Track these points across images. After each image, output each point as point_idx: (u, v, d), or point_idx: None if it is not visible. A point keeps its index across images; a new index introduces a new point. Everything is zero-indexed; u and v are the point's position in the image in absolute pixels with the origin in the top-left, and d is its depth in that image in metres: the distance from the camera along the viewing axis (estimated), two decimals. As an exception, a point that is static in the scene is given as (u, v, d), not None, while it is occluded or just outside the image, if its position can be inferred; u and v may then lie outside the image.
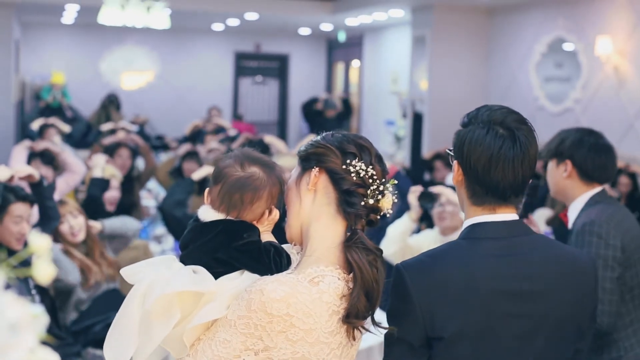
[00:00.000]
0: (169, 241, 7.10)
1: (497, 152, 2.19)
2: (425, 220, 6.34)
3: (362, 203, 2.14)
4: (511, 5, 11.09)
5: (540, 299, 2.20)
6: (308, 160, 2.21)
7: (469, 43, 11.65)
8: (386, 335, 2.21)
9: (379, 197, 2.15)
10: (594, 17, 9.43)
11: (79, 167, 7.06)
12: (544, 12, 10.44)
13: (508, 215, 2.25)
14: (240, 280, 2.15)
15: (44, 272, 1.22)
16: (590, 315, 2.30)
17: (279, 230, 2.35)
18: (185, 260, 2.24)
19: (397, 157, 13.26)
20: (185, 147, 8.73)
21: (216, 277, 2.16)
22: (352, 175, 2.14)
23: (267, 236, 2.30)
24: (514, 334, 2.18)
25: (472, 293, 2.15)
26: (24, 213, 4.29)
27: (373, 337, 4.80)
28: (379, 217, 2.19)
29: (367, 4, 12.37)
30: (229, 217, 2.26)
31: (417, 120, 12.16)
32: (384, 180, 2.18)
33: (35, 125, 8.68)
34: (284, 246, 2.31)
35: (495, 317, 2.16)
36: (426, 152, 10.88)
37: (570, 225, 3.58)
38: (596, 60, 9.31)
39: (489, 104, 2.35)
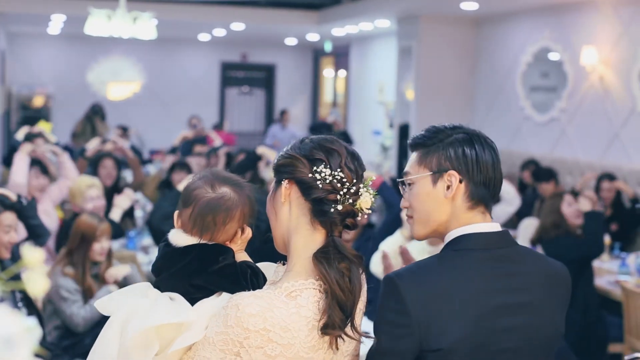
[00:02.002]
0: (156, 252, 7.10)
1: (493, 160, 2.31)
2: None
3: (333, 210, 2.09)
4: (497, 15, 11.14)
5: (529, 311, 2.20)
6: (279, 172, 2.17)
7: (455, 53, 11.70)
8: (373, 349, 2.16)
9: (351, 200, 2.10)
10: (579, 27, 9.49)
11: (74, 173, 7.08)
12: (530, 23, 10.49)
13: (494, 225, 2.26)
14: (217, 300, 2.13)
15: (37, 285, 1.22)
16: (563, 323, 2.32)
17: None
18: (161, 286, 2.21)
19: (384, 167, 13.28)
20: (171, 159, 8.72)
21: (193, 303, 2.13)
22: (318, 182, 2.09)
23: (241, 255, 2.27)
24: (506, 347, 2.17)
25: (468, 305, 2.13)
26: (12, 222, 4.32)
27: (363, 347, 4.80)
28: (356, 220, 2.14)
29: (353, 14, 12.41)
30: (202, 241, 2.22)
31: (404, 130, 12.19)
32: (355, 181, 2.12)
33: (20, 134, 8.64)
34: (266, 265, 2.29)
35: (490, 329, 2.14)
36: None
37: None
38: (582, 70, 9.36)
39: (445, 124, 2.38)
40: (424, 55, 11.55)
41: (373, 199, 2.14)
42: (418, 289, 2.12)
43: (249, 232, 2.29)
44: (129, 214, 7.63)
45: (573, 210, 6.30)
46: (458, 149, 2.26)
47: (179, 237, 2.25)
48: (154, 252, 7.02)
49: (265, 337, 1.98)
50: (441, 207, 2.24)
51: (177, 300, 2.14)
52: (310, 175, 2.10)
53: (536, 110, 10.41)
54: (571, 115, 9.68)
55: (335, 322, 2.02)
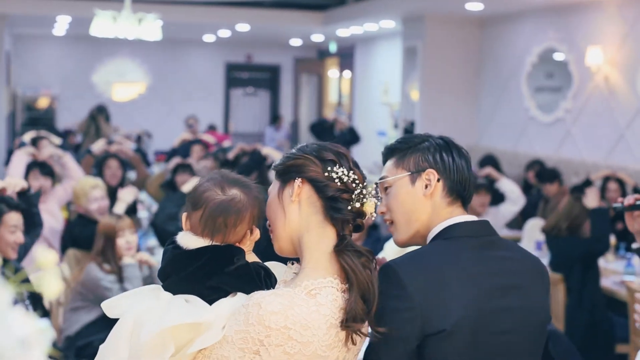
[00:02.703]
0: (162, 253, 7.11)
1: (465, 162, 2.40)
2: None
3: (349, 207, 2.14)
4: (502, 16, 11.14)
5: (522, 294, 2.27)
6: (288, 172, 2.20)
7: (460, 54, 11.71)
8: (376, 341, 2.16)
9: (364, 200, 2.16)
10: (584, 28, 9.49)
11: (78, 173, 7.15)
12: (535, 23, 10.49)
13: (474, 217, 2.35)
14: (234, 300, 2.13)
15: (51, 287, 1.23)
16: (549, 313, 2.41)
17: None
18: (173, 289, 2.20)
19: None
20: (176, 160, 8.73)
21: (209, 304, 2.14)
22: (336, 181, 2.15)
23: (250, 256, 2.28)
24: (504, 328, 2.22)
25: (467, 287, 2.17)
26: (18, 222, 4.35)
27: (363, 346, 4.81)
28: (363, 220, 2.19)
29: (358, 15, 12.42)
30: (214, 243, 2.23)
31: (408, 131, 12.19)
32: (365, 184, 2.19)
33: (27, 137, 8.68)
34: (273, 264, 2.31)
35: (488, 310, 2.19)
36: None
37: None
38: (587, 70, 9.36)
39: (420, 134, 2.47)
40: (429, 55, 11.56)
41: (378, 203, 2.21)
42: (417, 274, 2.17)
43: (257, 233, 2.30)
44: (132, 211, 7.63)
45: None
46: (434, 151, 2.34)
47: (189, 240, 2.24)
48: (159, 253, 7.05)
49: (285, 335, 1.99)
50: (421, 205, 2.31)
51: (193, 301, 2.14)
52: (325, 174, 2.15)
53: (541, 110, 10.41)
54: (576, 115, 9.68)
55: (358, 314, 2.05)
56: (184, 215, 2.31)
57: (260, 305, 2.00)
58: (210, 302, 2.13)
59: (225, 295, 2.15)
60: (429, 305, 2.13)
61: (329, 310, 2.05)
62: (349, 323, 2.05)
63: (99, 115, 13.59)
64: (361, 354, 2.26)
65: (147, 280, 5.16)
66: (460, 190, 2.33)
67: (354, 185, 2.15)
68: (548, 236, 6.45)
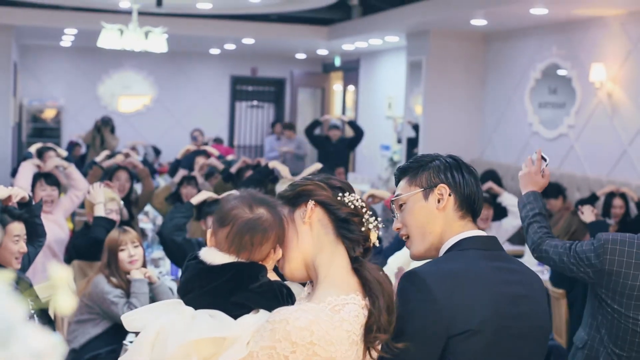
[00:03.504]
0: (167, 264, 7.13)
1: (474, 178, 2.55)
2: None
3: (361, 229, 2.23)
4: (506, 31, 11.19)
5: (531, 303, 2.38)
6: (299, 197, 2.29)
7: (464, 69, 11.75)
8: (401, 349, 2.19)
9: (370, 226, 2.25)
10: (588, 44, 9.53)
11: (83, 184, 7.20)
12: (538, 39, 10.54)
13: (483, 232, 2.48)
14: (258, 317, 2.17)
15: (65, 304, 1.27)
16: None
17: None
18: (195, 304, 2.23)
19: (392, 182, 13.31)
20: (182, 173, 8.77)
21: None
22: (348, 204, 2.24)
23: (272, 275, 2.32)
24: (520, 333, 2.33)
25: (486, 292, 2.29)
26: (21, 232, 4.39)
27: None
28: (369, 244, 2.27)
29: (363, 30, 12.48)
30: (239, 260, 2.26)
31: (412, 145, 12.23)
32: (370, 213, 2.28)
33: (33, 148, 8.73)
34: (295, 285, 2.35)
35: (507, 315, 2.30)
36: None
37: None
38: (590, 86, 9.40)
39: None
40: (433, 70, 11.61)
41: (380, 234, 2.32)
42: (440, 278, 2.27)
43: (279, 252, 2.32)
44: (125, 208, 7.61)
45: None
46: (445, 168, 2.48)
47: (214, 256, 2.27)
48: (165, 265, 7.08)
49: (310, 351, 2.03)
50: (434, 218, 2.44)
51: (218, 316, 2.17)
52: (338, 198, 2.25)
53: (544, 126, 10.44)
54: (579, 131, 9.71)
55: (382, 325, 2.11)
56: (209, 232, 2.34)
57: (287, 322, 2.04)
58: (234, 318, 2.17)
59: (248, 312, 2.19)
60: (454, 307, 2.22)
61: (352, 326, 2.10)
62: (376, 334, 2.11)
63: (104, 127, 13.64)
64: None
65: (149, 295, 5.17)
66: (471, 204, 2.47)
67: (363, 210, 2.25)
68: None
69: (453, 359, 2.23)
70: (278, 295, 2.22)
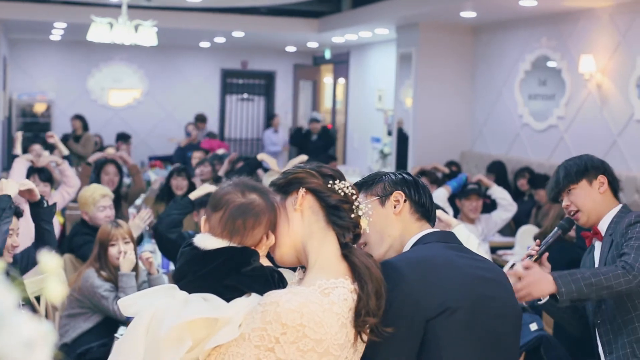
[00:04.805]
0: (158, 257, 7.13)
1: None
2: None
3: (351, 216, 2.29)
4: (496, 23, 11.21)
5: (499, 286, 2.47)
6: (290, 184, 2.35)
7: (454, 61, 11.76)
8: (383, 338, 2.25)
9: (359, 213, 2.31)
10: (577, 36, 9.55)
11: (75, 181, 7.22)
12: (528, 31, 10.55)
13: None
14: (250, 300, 2.21)
15: (55, 292, 1.28)
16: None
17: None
18: (189, 289, 2.28)
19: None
20: (176, 165, 8.79)
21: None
22: (339, 192, 2.30)
23: (264, 261, 2.36)
24: (494, 313, 2.40)
25: (457, 274, 2.36)
26: (14, 226, 4.39)
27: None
28: (359, 230, 2.33)
29: (353, 23, 12.47)
30: (232, 244, 2.31)
31: (402, 138, 12.24)
32: (360, 200, 2.34)
33: (18, 148, 8.61)
34: (287, 271, 2.40)
35: (482, 295, 2.38)
36: (411, 168, 10.95)
37: (603, 235, 3.73)
38: (579, 78, 9.42)
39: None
40: (423, 62, 11.61)
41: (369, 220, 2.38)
42: (412, 263, 2.35)
43: (272, 239, 2.37)
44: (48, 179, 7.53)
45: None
46: (398, 177, 2.63)
47: (207, 241, 2.33)
48: (156, 258, 7.08)
49: (300, 333, 2.07)
50: (392, 223, 2.56)
51: (211, 299, 2.21)
52: (328, 185, 2.31)
53: (534, 117, 10.46)
54: (569, 122, 9.74)
55: (372, 309, 2.16)
56: (203, 218, 2.39)
57: (278, 304, 2.09)
58: (227, 301, 2.21)
59: (240, 295, 2.23)
60: (428, 289, 2.29)
61: (341, 309, 2.14)
62: (365, 318, 2.16)
63: (76, 123, 13.77)
64: None
65: (143, 287, 5.16)
66: (425, 212, 2.59)
67: (353, 197, 2.31)
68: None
69: (435, 341, 2.27)
70: (269, 280, 2.27)
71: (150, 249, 7.27)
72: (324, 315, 2.10)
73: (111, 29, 10.16)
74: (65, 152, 8.51)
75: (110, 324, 5.02)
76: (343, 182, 2.32)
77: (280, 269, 2.37)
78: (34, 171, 6.86)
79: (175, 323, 2.13)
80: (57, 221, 7.18)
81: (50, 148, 9.51)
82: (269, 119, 17.24)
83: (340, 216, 2.28)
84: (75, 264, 5.99)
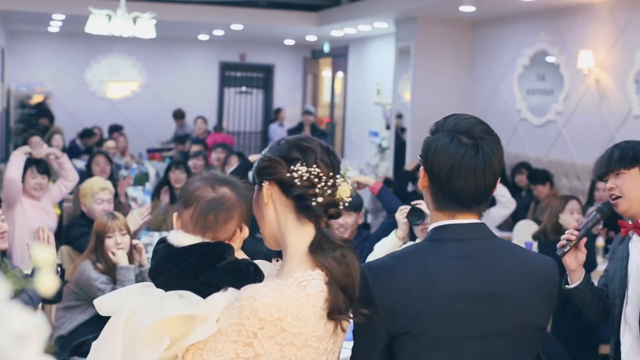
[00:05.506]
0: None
1: (459, 160, 2.24)
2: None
3: (315, 203, 2.17)
4: (495, 18, 11.19)
5: (500, 301, 2.25)
6: (259, 175, 2.26)
7: (453, 55, 11.75)
8: (354, 331, 2.28)
9: (330, 191, 2.19)
10: (576, 31, 9.54)
11: (73, 174, 7.24)
12: (527, 25, 10.54)
13: (470, 219, 2.31)
14: (226, 294, 2.19)
15: (47, 284, 1.27)
16: (547, 318, 2.38)
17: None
18: (165, 286, 2.26)
19: (381, 168, 13.33)
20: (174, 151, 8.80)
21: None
22: (297, 180, 2.17)
23: (239, 254, 2.35)
24: (473, 335, 2.23)
25: (430, 295, 2.20)
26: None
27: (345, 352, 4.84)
28: (338, 208, 2.23)
29: (351, 16, 12.46)
30: (205, 240, 2.29)
31: (400, 131, 12.24)
32: (332, 174, 2.21)
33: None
34: (260, 262, 2.36)
35: (454, 318, 2.21)
36: (409, 163, 10.95)
37: None
38: (578, 73, 9.41)
39: (458, 113, 2.42)
40: (421, 56, 11.60)
41: (352, 188, 2.23)
42: (384, 280, 2.22)
43: (246, 231, 2.36)
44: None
45: (573, 219, 6.35)
46: None
47: (181, 237, 2.31)
48: (151, 251, 7.09)
49: (278, 327, 2.05)
50: None
51: (188, 296, 2.20)
52: (288, 174, 2.19)
53: (532, 112, 10.46)
54: (567, 117, 9.73)
55: (341, 306, 2.12)
56: (174, 215, 2.37)
57: (254, 298, 2.06)
58: (203, 297, 2.19)
59: (217, 291, 2.21)
60: (391, 312, 2.19)
61: (318, 301, 2.11)
62: (335, 315, 2.13)
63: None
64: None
65: (138, 280, 5.15)
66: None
67: (316, 180, 2.17)
68: (539, 242, 6.49)
69: (402, 355, 2.23)
70: (245, 273, 2.24)
71: (146, 241, 7.28)
72: (301, 309, 2.08)
73: (109, 20, 10.14)
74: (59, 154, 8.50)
75: (106, 317, 5.01)
76: (303, 164, 2.19)
77: (256, 261, 2.36)
78: (31, 163, 6.86)
79: (152, 321, 2.12)
80: (54, 214, 7.19)
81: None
82: (276, 112, 17.20)
83: (305, 206, 2.18)
84: (72, 256, 5.98)
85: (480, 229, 2.31)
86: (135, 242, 5.28)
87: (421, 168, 2.34)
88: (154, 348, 2.12)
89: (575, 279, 3.40)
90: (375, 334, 2.22)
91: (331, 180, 2.19)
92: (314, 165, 2.18)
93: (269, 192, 2.22)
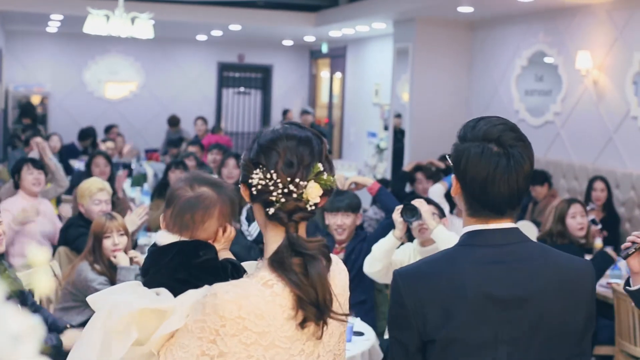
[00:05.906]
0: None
1: (492, 172, 2.26)
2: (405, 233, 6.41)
3: (273, 210, 2.08)
4: (493, 18, 11.19)
5: (531, 306, 2.25)
6: (242, 177, 2.18)
7: (451, 56, 11.75)
8: (389, 339, 2.33)
9: (292, 197, 2.07)
10: (574, 32, 9.55)
11: (65, 182, 7.48)
12: (525, 26, 10.55)
13: (504, 223, 2.32)
14: (199, 291, 2.18)
15: (43, 284, 1.27)
16: (585, 321, 2.34)
17: None
18: (149, 284, 2.31)
19: (379, 169, 13.33)
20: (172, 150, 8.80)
21: None
22: (253, 188, 2.09)
23: (224, 254, 2.36)
24: (503, 340, 2.24)
25: (461, 299, 2.22)
26: None
27: (355, 346, 4.83)
28: (305, 214, 2.10)
29: (350, 17, 12.46)
30: (182, 238, 2.34)
31: (399, 133, 12.24)
32: (290, 179, 2.07)
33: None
34: (251, 263, 2.35)
35: (484, 322, 2.23)
36: (407, 164, 10.94)
37: None
38: (576, 74, 9.42)
39: (488, 117, 2.41)
40: (419, 57, 11.60)
41: (327, 187, 2.11)
42: (415, 285, 2.27)
43: (231, 231, 2.38)
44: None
45: (577, 222, 6.37)
46: None
47: (163, 237, 2.37)
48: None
49: (240, 326, 2.02)
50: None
51: (162, 293, 2.23)
52: (249, 180, 2.10)
53: (531, 113, 10.46)
54: (565, 118, 9.74)
55: (309, 316, 2.07)
56: (161, 216, 2.42)
57: (216, 295, 2.04)
58: (179, 294, 2.21)
59: (193, 288, 2.21)
60: (422, 317, 2.23)
61: (286, 301, 2.05)
62: (307, 323, 2.07)
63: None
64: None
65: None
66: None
67: (272, 187, 2.07)
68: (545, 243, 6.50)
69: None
70: (220, 271, 2.27)
71: (144, 242, 7.28)
72: (266, 308, 2.03)
73: (107, 21, 10.13)
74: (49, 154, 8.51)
75: None
76: (258, 171, 2.08)
77: (246, 263, 2.36)
78: (26, 160, 6.91)
79: (122, 314, 2.15)
80: (53, 212, 7.20)
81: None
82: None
83: (269, 212, 2.09)
84: (69, 257, 5.97)
85: (514, 233, 2.33)
86: (132, 253, 5.26)
87: (453, 176, 2.36)
88: (123, 341, 2.15)
89: (638, 281, 3.39)
90: (408, 339, 2.26)
91: (291, 186, 2.07)
92: (272, 171, 2.07)
93: (246, 194, 2.15)
